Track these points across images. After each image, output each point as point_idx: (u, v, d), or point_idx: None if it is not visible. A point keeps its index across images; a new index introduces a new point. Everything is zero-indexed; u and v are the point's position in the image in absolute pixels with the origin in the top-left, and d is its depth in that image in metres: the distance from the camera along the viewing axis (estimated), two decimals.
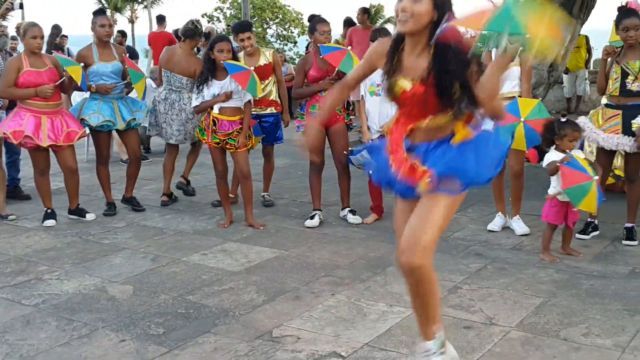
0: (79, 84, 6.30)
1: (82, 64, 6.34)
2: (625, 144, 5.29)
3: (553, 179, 5.05)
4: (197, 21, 7.09)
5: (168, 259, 5.31)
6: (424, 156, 2.97)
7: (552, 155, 5.09)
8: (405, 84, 2.90)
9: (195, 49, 7.34)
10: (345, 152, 6.16)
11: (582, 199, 4.91)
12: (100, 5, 45.69)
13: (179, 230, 6.10)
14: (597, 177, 4.89)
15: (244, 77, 5.88)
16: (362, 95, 6.12)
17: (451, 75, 2.79)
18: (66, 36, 13.50)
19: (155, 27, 14.12)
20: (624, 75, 5.27)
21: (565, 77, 12.79)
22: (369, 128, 6.08)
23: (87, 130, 6.51)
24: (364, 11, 11.39)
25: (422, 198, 2.99)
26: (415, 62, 2.86)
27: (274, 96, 6.65)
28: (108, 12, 41.22)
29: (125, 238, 5.90)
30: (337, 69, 6.00)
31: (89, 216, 6.46)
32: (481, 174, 2.96)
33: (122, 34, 13.62)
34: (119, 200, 6.89)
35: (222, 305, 4.36)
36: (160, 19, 14.02)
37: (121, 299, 4.50)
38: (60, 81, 6.15)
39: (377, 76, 5.88)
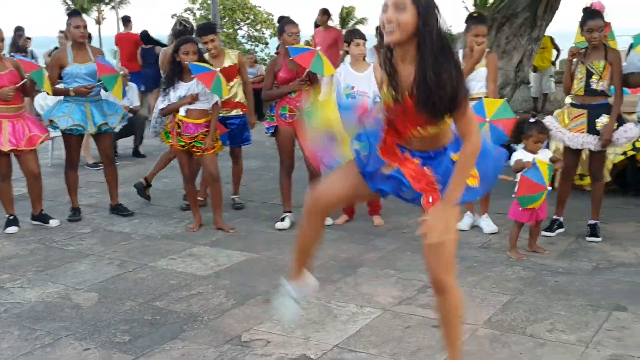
0: (41, 88, 6.23)
1: (43, 67, 6.25)
2: (590, 142, 5.36)
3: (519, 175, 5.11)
4: (185, 20, 7.18)
5: (135, 264, 5.26)
6: (429, 163, 2.98)
7: (519, 154, 5.14)
8: (399, 95, 2.88)
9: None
10: None
11: (529, 205, 5.07)
12: (65, 7, 45.32)
13: (147, 235, 6.04)
14: (549, 189, 5.01)
15: (209, 77, 5.84)
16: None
17: (433, 85, 2.77)
18: (29, 38, 13.33)
19: (122, 28, 14.01)
20: (589, 75, 5.34)
21: (532, 76, 12.92)
22: None
23: (51, 134, 6.41)
24: (324, 12, 11.21)
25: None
26: (405, 72, 2.87)
27: (239, 98, 6.62)
28: None
29: (91, 244, 5.83)
30: (307, 70, 5.99)
31: (53, 222, 6.37)
32: (483, 189, 3.04)
33: (66, 35, 13.50)
34: (85, 206, 6.80)
35: (190, 311, 4.33)
36: (126, 20, 13.92)
37: (85, 307, 4.44)
38: (21, 83, 6.05)
39: (353, 79, 5.95)
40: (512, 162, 5.19)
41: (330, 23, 11.67)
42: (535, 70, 12.58)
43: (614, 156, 6.66)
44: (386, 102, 2.95)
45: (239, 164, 7.03)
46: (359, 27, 43.35)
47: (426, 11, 2.76)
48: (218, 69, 6.06)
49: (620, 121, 5.36)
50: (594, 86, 5.34)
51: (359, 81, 5.97)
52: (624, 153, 6.59)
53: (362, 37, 6.02)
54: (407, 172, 2.98)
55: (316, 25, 12.33)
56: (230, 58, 6.59)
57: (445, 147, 2.98)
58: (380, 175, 3.06)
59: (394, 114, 2.95)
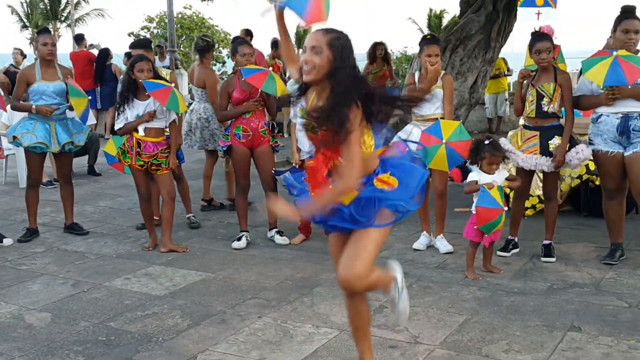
0: None
1: None
2: (543, 164, 5.46)
3: (474, 195, 5.18)
4: (206, 35, 7.53)
5: (89, 284, 5.18)
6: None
7: (474, 175, 5.22)
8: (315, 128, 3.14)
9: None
10: (273, 170, 6.17)
11: (493, 229, 5.16)
12: (21, 24, 44.66)
13: (102, 255, 5.96)
14: (505, 209, 5.10)
15: (164, 94, 5.82)
16: (291, 118, 6.15)
17: (342, 117, 3.01)
18: None
19: (76, 47, 13.89)
20: (540, 97, 5.44)
21: (486, 97, 13.14)
22: (298, 150, 6.10)
23: (5, 152, 6.30)
24: (246, 33, 10.80)
25: (354, 232, 3.26)
26: (318, 95, 3.17)
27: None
28: (29, 30, 40.15)
29: (45, 263, 5.72)
30: (259, 90, 6.01)
31: (6, 241, 6.24)
32: (409, 205, 3.31)
33: (21, 52, 13.39)
34: (38, 224, 6.67)
35: (145, 331, 4.27)
36: (79, 39, 13.84)
37: (39, 327, 4.35)
38: None
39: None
40: (466, 181, 5.29)
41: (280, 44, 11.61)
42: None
43: (570, 179, 6.80)
44: (308, 133, 3.26)
45: (184, 182, 7.03)
46: None
47: (340, 54, 3.06)
48: (172, 84, 6.07)
49: (573, 142, 5.46)
50: (545, 108, 5.44)
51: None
52: (579, 177, 6.73)
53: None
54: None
55: (273, 46, 12.39)
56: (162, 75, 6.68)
57: (370, 176, 3.21)
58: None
59: (316, 144, 3.23)
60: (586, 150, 5.45)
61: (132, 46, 7.62)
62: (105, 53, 13.42)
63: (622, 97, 5.22)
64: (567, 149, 5.40)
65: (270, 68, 6.38)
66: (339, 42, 3.07)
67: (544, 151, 5.45)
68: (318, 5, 3.38)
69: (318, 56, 3.05)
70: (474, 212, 5.17)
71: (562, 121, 5.49)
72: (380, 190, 3.19)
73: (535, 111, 5.47)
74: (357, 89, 3.05)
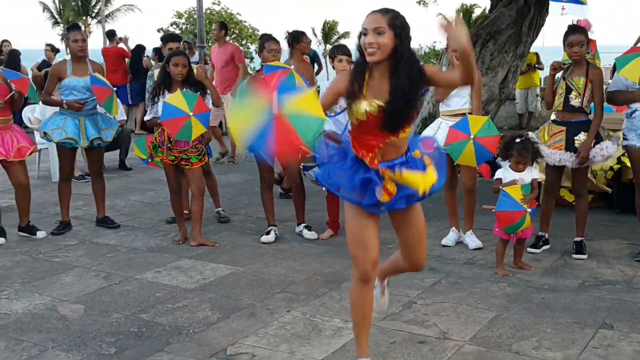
0: (27, 96, 6.24)
1: (28, 76, 6.26)
2: (567, 159, 5.41)
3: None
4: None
5: (121, 277, 5.24)
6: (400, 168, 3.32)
7: (501, 173, 5.20)
8: (371, 107, 3.21)
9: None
10: (301, 165, 6.17)
11: (518, 229, 5.12)
12: (52, 20, 45.17)
13: (133, 248, 6.02)
14: (529, 210, 5.03)
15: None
16: None
17: (408, 96, 3.20)
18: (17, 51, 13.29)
19: (107, 42, 14.04)
20: (568, 90, 5.39)
21: (517, 93, 13.02)
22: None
23: (38, 146, 6.40)
24: (220, 27, 10.30)
25: (404, 216, 3.44)
26: (380, 87, 3.23)
27: None
28: (60, 26, 40.55)
29: (77, 256, 5.80)
30: None
31: (40, 234, 6.34)
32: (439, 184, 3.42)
33: (52, 48, 13.51)
34: (71, 218, 6.76)
35: (176, 323, 4.31)
36: (111, 35, 13.96)
37: (72, 319, 4.42)
38: (9, 96, 6.05)
39: None
40: (494, 178, 5.28)
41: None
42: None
43: (603, 172, 6.72)
44: (357, 117, 3.25)
45: (212, 176, 7.06)
46: (343, 41, 43.58)
47: (401, 34, 3.17)
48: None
49: (598, 139, 5.41)
50: (572, 102, 5.39)
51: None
52: (611, 168, 6.65)
53: (345, 52, 6.03)
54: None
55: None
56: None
57: (408, 150, 3.37)
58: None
59: (365, 126, 3.26)
60: (611, 147, 5.40)
61: (164, 39, 7.59)
62: (140, 49, 13.55)
63: None
64: (592, 145, 5.35)
65: (293, 65, 6.30)
66: (399, 21, 3.18)
67: (569, 147, 5.40)
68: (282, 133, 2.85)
69: (382, 36, 3.15)
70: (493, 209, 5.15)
71: (591, 117, 5.43)
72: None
73: (563, 104, 5.43)
74: (418, 68, 3.22)
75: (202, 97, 5.83)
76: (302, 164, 6.21)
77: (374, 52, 3.16)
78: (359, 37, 3.24)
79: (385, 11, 3.21)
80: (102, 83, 6.37)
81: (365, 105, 3.21)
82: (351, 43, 6.69)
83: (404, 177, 3.25)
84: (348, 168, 3.33)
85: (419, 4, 16.20)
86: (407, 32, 3.20)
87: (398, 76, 3.18)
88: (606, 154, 5.38)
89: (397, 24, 3.17)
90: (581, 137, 5.36)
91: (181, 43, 7.23)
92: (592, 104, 5.42)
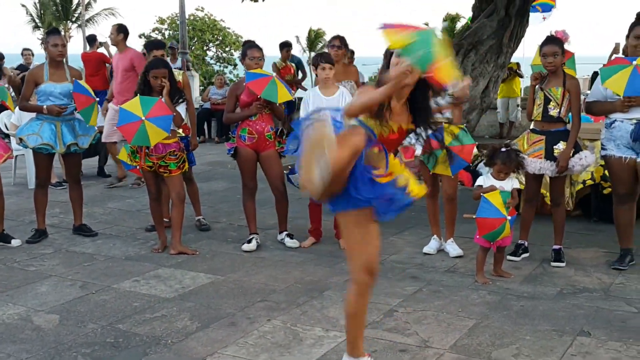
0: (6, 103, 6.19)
1: (6, 85, 6.18)
2: (547, 168, 5.44)
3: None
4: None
5: (97, 286, 5.18)
6: None
7: (480, 180, 5.22)
8: (394, 127, 3.30)
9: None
10: (285, 171, 6.15)
11: (498, 238, 5.12)
12: (32, 24, 44.89)
13: (110, 256, 5.96)
14: (509, 218, 5.05)
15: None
16: None
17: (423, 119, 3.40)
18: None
19: (88, 47, 13.94)
20: (547, 101, 5.44)
21: (498, 102, 13.10)
22: None
23: (14, 153, 6.31)
24: (118, 30, 9.18)
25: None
26: (400, 109, 3.31)
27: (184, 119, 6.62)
28: (41, 30, 40.41)
29: (53, 265, 5.73)
30: (259, 96, 5.97)
31: (15, 242, 6.25)
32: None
33: (32, 53, 13.42)
34: (47, 226, 6.67)
35: (154, 334, 4.26)
36: (91, 40, 13.87)
37: (47, 329, 4.35)
38: None
39: (321, 103, 5.96)
40: (475, 185, 5.29)
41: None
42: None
43: (575, 184, 6.78)
44: (380, 133, 3.30)
45: (193, 183, 7.02)
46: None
47: None
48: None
49: (577, 148, 5.45)
50: (550, 112, 5.44)
51: (328, 104, 5.98)
52: (583, 182, 6.71)
53: (329, 61, 6.02)
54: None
55: (282, 47, 12.36)
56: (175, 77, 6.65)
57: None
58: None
59: (384, 142, 3.32)
60: (590, 156, 5.45)
61: (147, 47, 7.41)
62: None
63: (638, 105, 5.19)
64: (570, 154, 5.38)
65: (275, 73, 6.26)
66: None
67: (549, 156, 5.44)
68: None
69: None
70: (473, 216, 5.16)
71: (570, 127, 5.47)
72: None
73: (542, 115, 5.48)
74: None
75: (172, 103, 5.81)
76: (289, 166, 6.20)
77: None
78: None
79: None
80: (85, 92, 6.31)
81: (391, 126, 3.34)
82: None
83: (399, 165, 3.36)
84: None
85: None
86: None
87: (416, 100, 3.35)
88: (585, 163, 5.43)
89: None
90: (560, 146, 5.41)
91: (165, 49, 7.10)
92: (570, 113, 5.47)
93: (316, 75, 6.13)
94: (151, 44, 7.45)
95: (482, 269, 5.20)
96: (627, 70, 5.15)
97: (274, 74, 6.17)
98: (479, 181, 5.26)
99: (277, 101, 5.97)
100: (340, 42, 6.73)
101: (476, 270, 5.22)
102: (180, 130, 6.36)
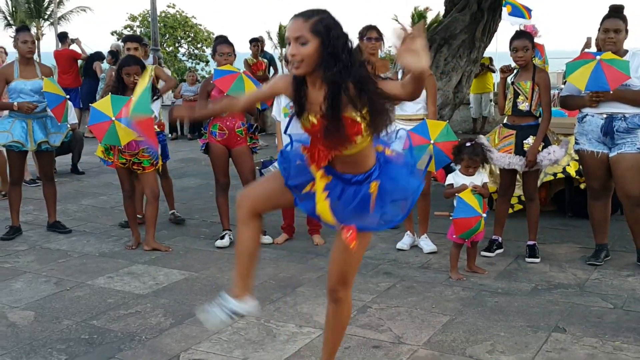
0: None
1: None
2: (516, 163, 5.48)
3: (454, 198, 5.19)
4: None
5: (72, 282, 5.14)
6: (341, 188, 3.05)
7: (450, 179, 5.24)
8: (312, 118, 2.95)
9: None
10: (257, 167, 6.14)
11: (473, 235, 5.16)
12: (5, 22, 44.34)
13: (85, 253, 5.92)
14: (484, 215, 5.09)
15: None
16: (274, 117, 6.12)
17: (335, 105, 2.84)
18: None
19: (60, 45, 13.82)
20: (516, 95, 5.49)
21: (471, 97, 13.18)
22: None
23: None
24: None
25: (338, 241, 3.15)
26: (317, 97, 2.92)
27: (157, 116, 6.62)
28: (13, 29, 39.99)
29: (27, 261, 5.68)
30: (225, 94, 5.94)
31: None
32: (396, 217, 3.16)
33: (5, 51, 13.22)
34: (21, 223, 6.61)
35: (128, 330, 4.24)
36: (63, 37, 13.77)
37: (21, 325, 4.31)
38: None
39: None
40: (446, 183, 5.31)
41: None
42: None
43: (544, 175, 6.82)
44: (303, 125, 3.02)
45: (168, 179, 7.03)
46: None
47: (329, 38, 2.80)
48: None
49: (547, 143, 5.49)
50: (520, 106, 5.48)
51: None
52: (554, 174, 6.75)
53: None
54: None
55: (252, 42, 12.28)
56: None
57: (370, 172, 3.04)
58: (303, 191, 3.13)
59: (312, 137, 3.03)
60: (558, 151, 5.48)
61: (125, 40, 7.42)
62: (97, 56, 13.48)
63: (606, 99, 5.23)
64: (539, 149, 5.43)
65: (242, 70, 6.21)
66: (323, 25, 2.81)
67: (519, 150, 5.48)
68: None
69: (304, 47, 2.80)
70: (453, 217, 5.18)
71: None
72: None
73: (512, 109, 5.53)
74: (351, 74, 2.82)
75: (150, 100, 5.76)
76: (262, 160, 6.19)
77: (298, 64, 2.84)
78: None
79: (307, 15, 2.84)
80: (57, 100, 6.24)
81: (305, 118, 2.99)
82: None
83: (320, 199, 3.01)
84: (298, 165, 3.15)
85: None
86: (335, 34, 2.81)
87: (327, 86, 2.84)
88: (553, 157, 5.47)
89: (321, 29, 2.80)
90: (530, 140, 5.45)
91: (141, 44, 7.05)
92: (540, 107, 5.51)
93: (288, 71, 6.11)
94: (126, 37, 7.51)
95: (456, 265, 5.23)
96: (590, 65, 5.16)
97: (242, 70, 6.13)
98: (449, 179, 5.29)
99: None
100: (377, 33, 6.07)
101: (450, 267, 5.25)
102: (156, 127, 6.32)
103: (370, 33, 6.05)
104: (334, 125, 2.86)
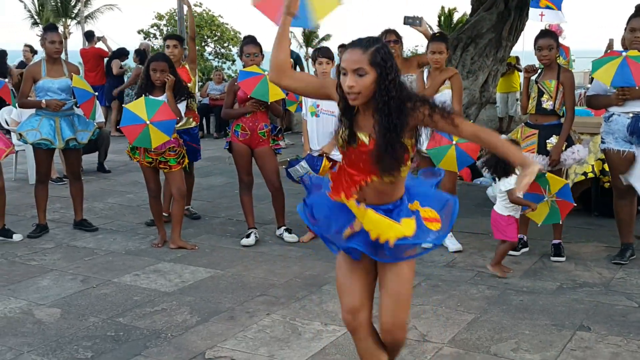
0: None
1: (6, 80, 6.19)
2: (539, 162, 5.44)
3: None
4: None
5: (98, 280, 5.19)
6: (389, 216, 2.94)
7: (504, 184, 5.16)
8: (363, 137, 2.89)
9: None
10: (283, 166, 6.17)
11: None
12: (31, 20, 44.85)
13: (111, 251, 5.97)
14: (547, 198, 5.14)
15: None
16: (303, 116, 6.15)
17: (396, 130, 2.82)
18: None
19: (86, 43, 13.98)
20: (540, 94, 5.46)
21: (498, 96, 13.10)
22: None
23: (15, 148, 6.33)
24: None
25: (385, 271, 3.02)
26: (367, 120, 2.89)
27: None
28: (39, 27, 40.47)
29: (54, 259, 5.74)
30: (249, 96, 5.97)
31: (16, 237, 6.27)
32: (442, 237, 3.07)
33: (31, 49, 13.38)
34: (48, 221, 6.68)
35: (154, 327, 4.28)
36: (89, 36, 13.88)
37: (48, 323, 4.37)
38: None
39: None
40: (494, 192, 5.29)
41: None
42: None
43: (574, 175, 6.77)
44: (344, 143, 2.94)
45: (191, 177, 7.09)
46: (324, 44, 43.54)
47: (385, 70, 2.80)
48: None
49: (570, 142, 5.46)
50: (544, 105, 5.46)
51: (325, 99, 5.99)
52: (584, 174, 6.70)
53: (326, 55, 6.03)
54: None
55: None
56: (180, 64, 6.78)
57: (402, 199, 2.98)
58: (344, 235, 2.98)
59: (354, 156, 2.94)
60: (582, 150, 5.45)
61: (165, 37, 7.46)
62: (121, 52, 13.56)
63: (632, 98, 5.20)
64: (563, 148, 5.39)
65: (267, 72, 6.22)
66: (380, 56, 2.79)
67: (541, 150, 5.45)
68: None
69: (362, 78, 2.78)
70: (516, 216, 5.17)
71: (563, 120, 5.48)
72: (428, 232, 2.95)
73: (536, 108, 5.50)
74: (405, 100, 2.84)
75: (177, 102, 5.82)
76: (289, 159, 6.20)
77: (355, 96, 2.81)
78: (338, 74, 2.89)
79: (365, 46, 2.81)
80: (86, 96, 6.30)
81: (351, 135, 2.90)
82: (332, 45, 6.63)
83: (367, 215, 2.85)
84: (329, 204, 3.00)
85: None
86: (390, 65, 2.80)
87: (383, 114, 2.81)
88: (577, 157, 5.45)
89: (379, 61, 2.78)
90: (553, 140, 5.42)
91: (181, 43, 7.02)
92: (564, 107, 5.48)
93: (315, 70, 6.13)
94: (167, 35, 7.65)
95: (500, 261, 5.18)
96: (616, 61, 5.14)
97: (266, 72, 6.15)
98: (505, 187, 5.17)
99: (268, 100, 5.94)
100: (396, 36, 6.22)
101: (494, 262, 5.16)
102: (191, 119, 6.45)
103: (389, 36, 6.15)
104: (392, 147, 2.82)
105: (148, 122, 5.54)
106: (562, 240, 5.63)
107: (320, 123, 5.99)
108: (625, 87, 5.17)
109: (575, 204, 5.44)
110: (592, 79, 5.82)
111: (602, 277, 5.13)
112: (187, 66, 6.88)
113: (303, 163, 5.90)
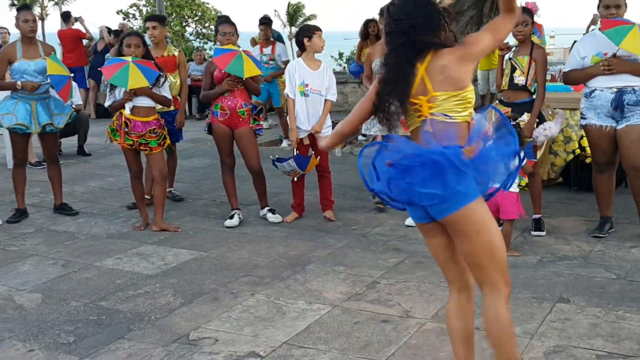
0: None
1: None
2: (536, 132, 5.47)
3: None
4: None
5: (80, 264, 5.16)
6: None
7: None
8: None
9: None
10: (270, 157, 6.14)
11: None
12: (9, 2, 44.25)
13: (92, 235, 5.94)
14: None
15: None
16: (287, 94, 6.08)
17: None
18: None
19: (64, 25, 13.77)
20: (513, 70, 5.50)
21: (479, 74, 13.09)
22: (297, 128, 6.05)
23: None
24: None
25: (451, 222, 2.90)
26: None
27: (176, 93, 6.64)
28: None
29: (34, 244, 5.70)
30: (223, 71, 5.94)
31: None
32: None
33: (9, 32, 13.19)
34: (28, 205, 6.63)
35: (137, 310, 4.27)
36: (66, 16, 13.70)
37: (29, 308, 4.34)
38: None
39: (307, 76, 5.95)
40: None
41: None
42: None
43: (565, 154, 6.80)
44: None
45: (174, 157, 7.07)
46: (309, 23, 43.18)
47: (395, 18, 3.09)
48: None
49: (541, 119, 5.49)
50: (516, 80, 5.49)
51: (314, 78, 5.99)
52: (573, 152, 6.75)
53: (310, 32, 6.04)
54: None
55: (261, 22, 12.03)
56: (170, 51, 6.71)
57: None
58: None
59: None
60: (554, 127, 5.49)
61: (146, 19, 7.39)
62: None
63: (617, 72, 5.20)
64: (534, 125, 5.41)
65: (242, 49, 6.16)
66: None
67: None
68: None
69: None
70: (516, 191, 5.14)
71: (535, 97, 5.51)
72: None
73: (508, 84, 5.55)
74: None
75: (158, 86, 5.82)
76: (277, 156, 6.19)
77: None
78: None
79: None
80: (62, 81, 6.22)
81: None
82: (319, 25, 6.48)
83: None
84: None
85: None
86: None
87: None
88: (549, 133, 5.49)
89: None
90: (524, 117, 5.45)
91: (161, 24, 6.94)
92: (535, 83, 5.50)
93: (303, 48, 6.05)
94: (148, 16, 7.57)
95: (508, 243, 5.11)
96: (634, 30, 5.11)
97: (241, 49, 6.10)
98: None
99: (242, 75, 5.90)
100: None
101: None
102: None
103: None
104: None
105: (129, 60, 5.61)
106: (542, 215, 5.67)
107: (309, 102, 5.98)
108: (610, 58, 5.18)
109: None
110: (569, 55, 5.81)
111: (582, 250, 5.17)
112: (176, 54, 6.78)
113: (291, 162, 5.92)
